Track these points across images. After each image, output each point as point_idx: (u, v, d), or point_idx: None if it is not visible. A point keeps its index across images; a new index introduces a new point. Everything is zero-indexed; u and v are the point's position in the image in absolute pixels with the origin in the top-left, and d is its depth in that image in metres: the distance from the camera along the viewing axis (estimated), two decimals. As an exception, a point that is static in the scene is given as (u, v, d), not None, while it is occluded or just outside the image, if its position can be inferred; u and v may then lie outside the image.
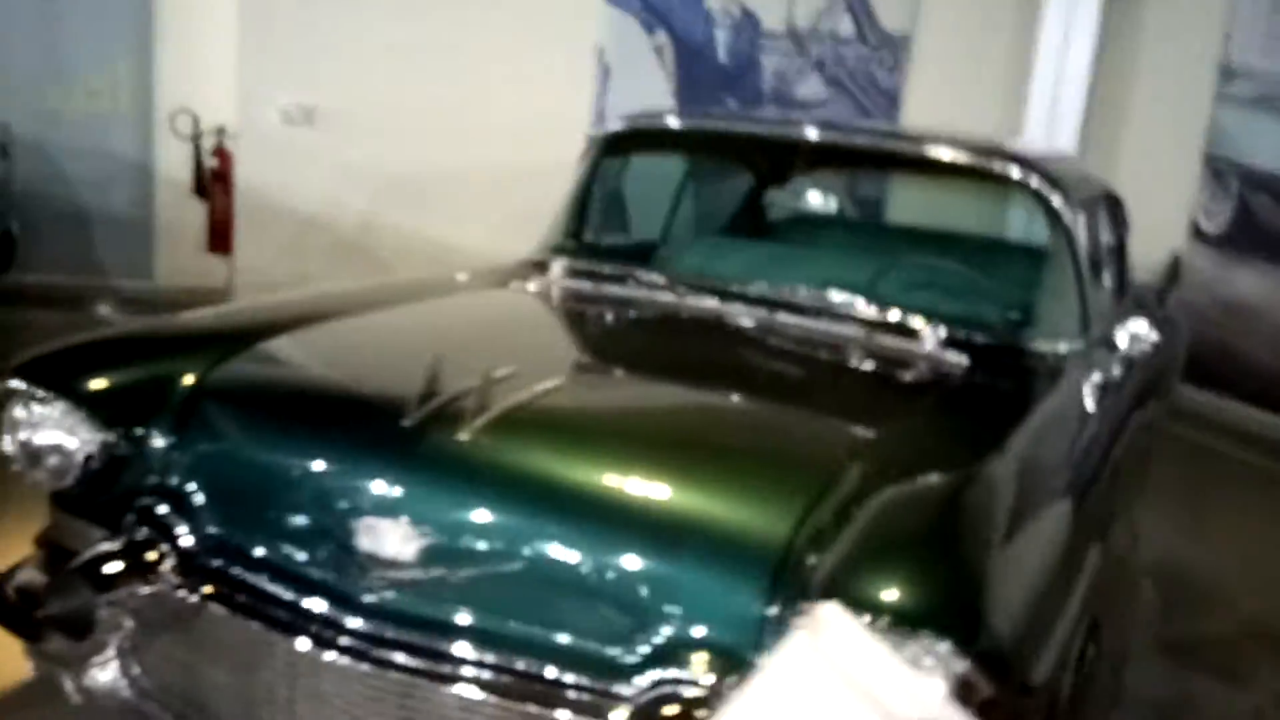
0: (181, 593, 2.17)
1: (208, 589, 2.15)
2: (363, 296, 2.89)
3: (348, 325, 2.62)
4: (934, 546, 1.86)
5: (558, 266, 3.22)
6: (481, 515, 1.98)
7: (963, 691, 1.68)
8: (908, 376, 2.73)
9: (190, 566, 2.18)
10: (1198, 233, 6.78)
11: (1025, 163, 3.16)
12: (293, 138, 6.53)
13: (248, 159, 6.51)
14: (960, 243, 3.60)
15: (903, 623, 1.69)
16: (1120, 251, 4.13)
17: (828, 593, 1.74)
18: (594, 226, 3.49)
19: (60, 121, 6.48)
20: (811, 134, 3.39)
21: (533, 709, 1.89)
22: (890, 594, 1.72)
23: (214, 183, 6.56)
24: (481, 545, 1.97)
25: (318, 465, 2.11)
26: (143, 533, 2.21)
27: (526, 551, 1.96)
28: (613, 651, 1.90)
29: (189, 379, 2.33)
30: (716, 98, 7.08)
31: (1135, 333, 3.07)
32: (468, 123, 6.47)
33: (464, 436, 2.02)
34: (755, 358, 2.79)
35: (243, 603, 2.12)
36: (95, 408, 2.28)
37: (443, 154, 6.51)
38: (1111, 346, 3.08)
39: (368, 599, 2.00)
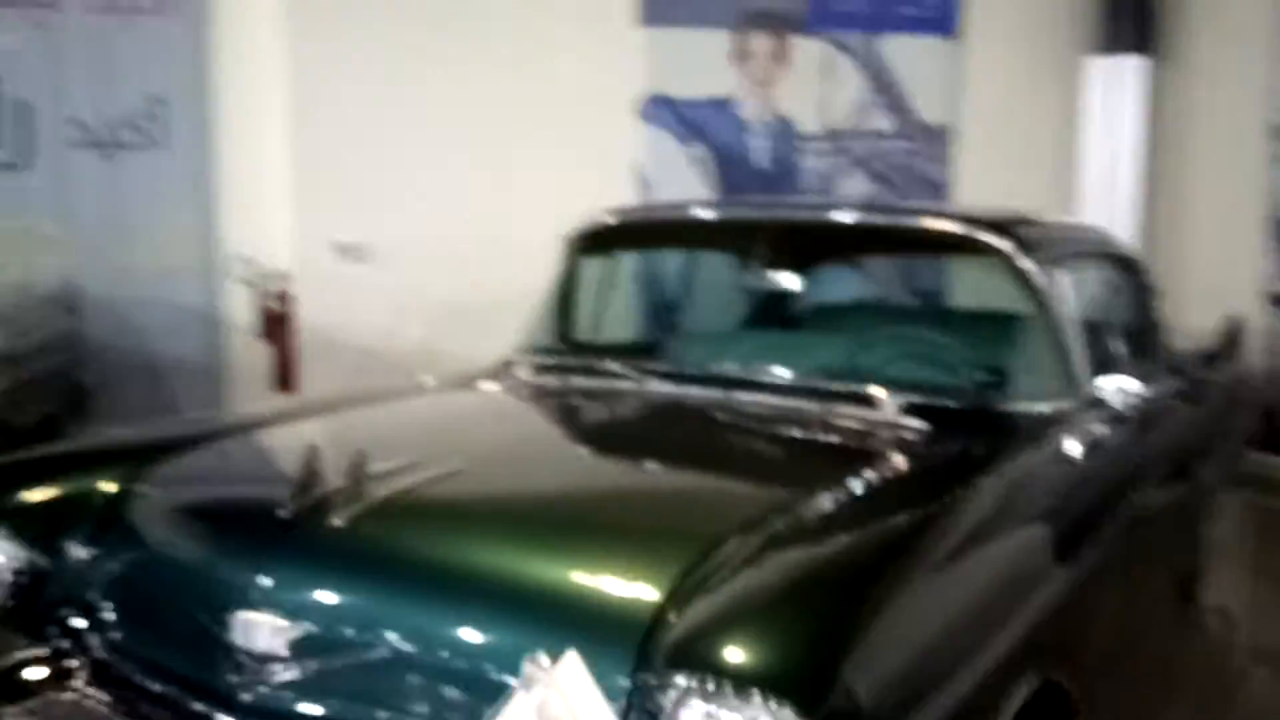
0: (91, 702, 2.17)
1: (111, 698, 2.14)
2: (313, 405, 2.92)
3: (277, 433, 2.65)
4: (785, 610, 1.78)
5: (524, 364, 3.24)
6: (347, 603, 1.96)
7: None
8: (852, 445, 2.64)
9: (102, 676, 2.19)
10: (1270, 297, 6.47)
11: (993, 227, 3.08)
12: (348, 275, 6.76)
13: (307, 299, 6.74)
14: (936, 312, 3.50)
15: (744, 685, 1.60)
16: (1142, 315, 3.97)
17: (674, 657, 1.68)
18: (570, 323, 3.50)
19: (129, 276, 6.79)
20: (778, 215, 3.37)
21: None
22: (733, 656, 1.66)
23: (276, 324, 6.79)
24: (351, 634, 1.94)
25: (205, 565, 2.13)
26: (61, 643, 2.23)
27: (398, 638, 1.92)
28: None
29: (106, 494, 2.37)
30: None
31: (1122, 387, 2.91)
32: (514, 246, 6.55)
33: (333, 525, 2.00)
34: (691, 436, 2.74)
35: (143, 711, 2.10)
36: (18, 525, 2.34)
37: (492, 278, 6.62)
38: (1099, 404, 2.92)
39: (244, 698, 1.97)
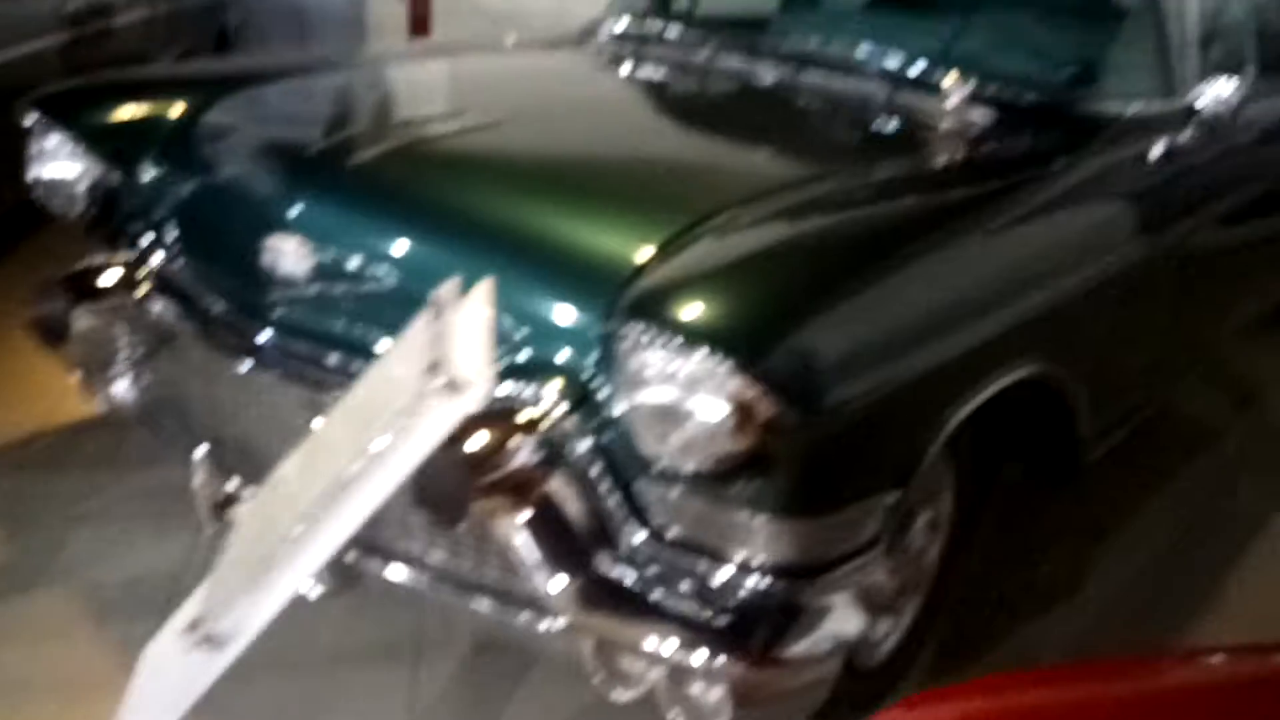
0: (153, 309, 2.39)
1: (168, 306, 2.36)
2: (389, 54, 2.97)
3: (345, 74, 2.72)
4: (742, 272, 1.84)
5: (606, 30, 3.21)
6: (359, 234, 2.08)
7: (742, 410, 1.65)
8: (898, 130, 2.59)
9: (162, 285, 2.40)
10: None
11: None
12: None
13: (439, -47, 6.67)
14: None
15: (691, 338, 1.68)
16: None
17: (634, 309, 1.75)
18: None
19: (276, -77, 6.81)
20: None
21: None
22: (684, 311, 1.73)
23: (411, -22, 6.82)
24: (361, 263, 2.06)
25: (246, 192, 2.27)
26: (128, 255, 2.44)
27: (400, 270, 2.04)
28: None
29: (175, 119, 2.51)
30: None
31: (1220, 93, 2.72)
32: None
33: (354, 163, 2.11)
34: (735, 111, 2.73)
35: (192, 319, 2.31)
36: (95, 142, 2.51)
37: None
38: (1191, 112, 2.74)
39: (271, 313, 2.15)
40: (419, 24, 6.82)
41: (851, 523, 1.90)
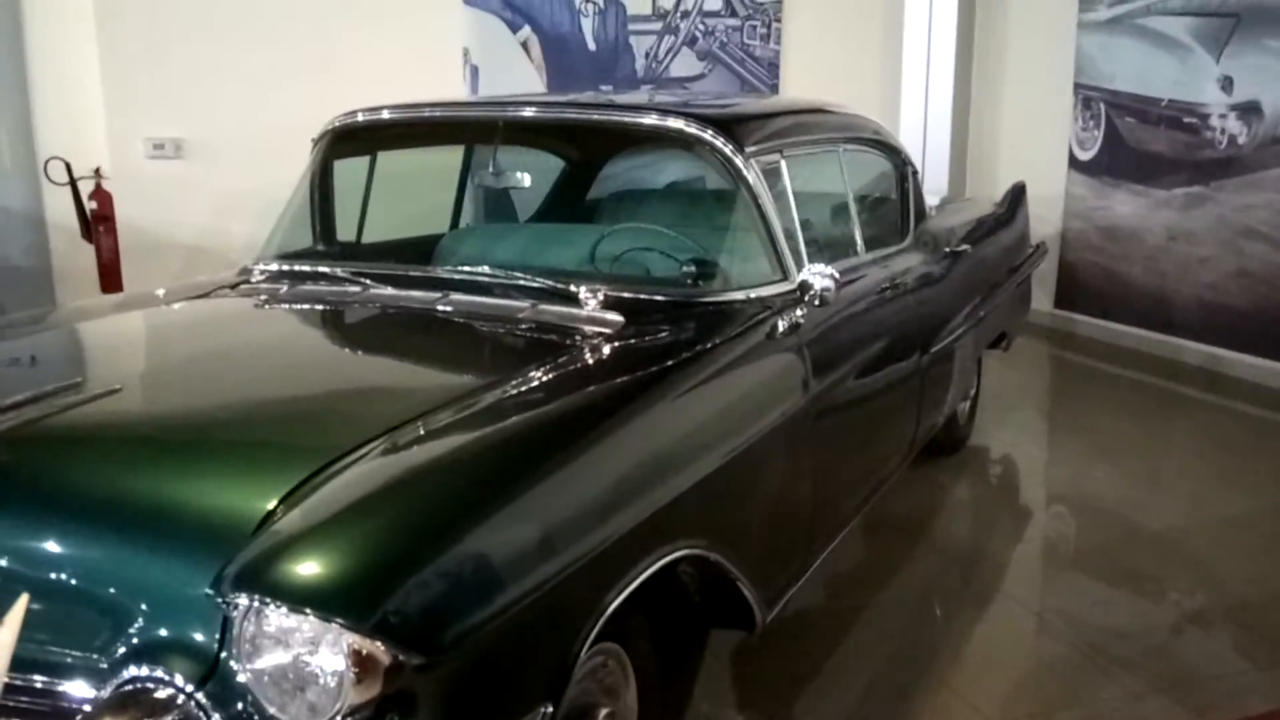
0: None
1: None
2: (27, 320, 2.90)
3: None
4: (344, 522, 1.81)
5: (258, 271, 3.25)
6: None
7: (361, 664, 1.66)
8: (531, 344, 2.71)
9: None
10: (1074, 161, 6.62)
11: (691, 116, 3.13)
12: (164, 172, 6.62)
13: (125, 197, 6.60)
14: (656, 204, 3.56)
15: (297, 604, 1.67)
16: (898, 196, 4.07)
17: (238, 581, 1.72)
18: (314, 227, 3.49)
19: (-51, 183, 6.63)
20: (503, 112, 3.36)
21: None
22: (284, 577, 1.71)
23: (97, 224, 6.64)
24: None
25: None
26: None
27: (18, 564, 1.94)
28: (96, 656, 1.88)
29: None
30: (590, 84, 7.05)
31: (823, 273, 2.97)
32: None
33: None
34: (375, 343, 2.79)
35: None
36: None
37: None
38: (805, 290, 2.98)
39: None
40: (108, 275, 6.63)
41: (509, 742, 1.90)
